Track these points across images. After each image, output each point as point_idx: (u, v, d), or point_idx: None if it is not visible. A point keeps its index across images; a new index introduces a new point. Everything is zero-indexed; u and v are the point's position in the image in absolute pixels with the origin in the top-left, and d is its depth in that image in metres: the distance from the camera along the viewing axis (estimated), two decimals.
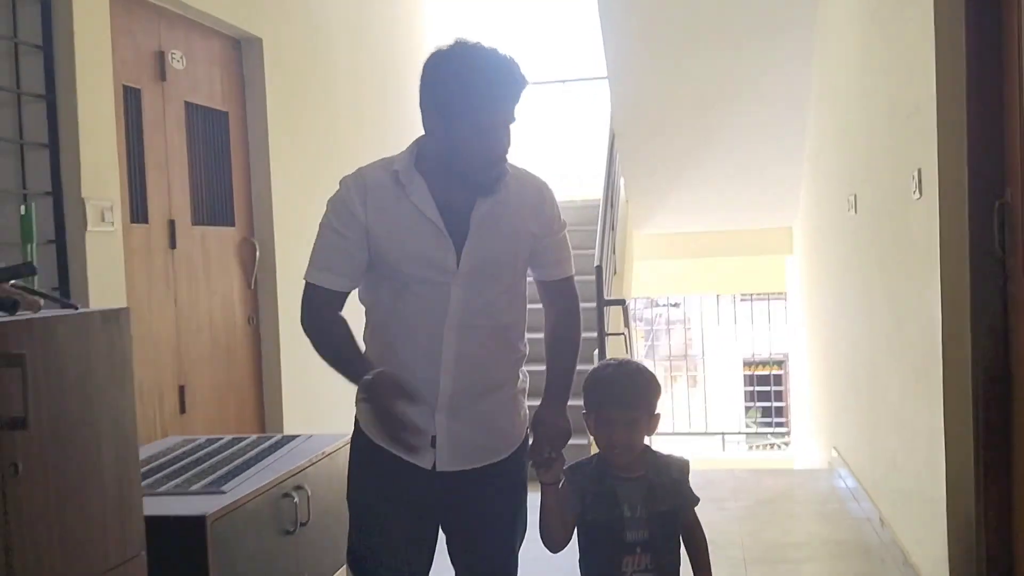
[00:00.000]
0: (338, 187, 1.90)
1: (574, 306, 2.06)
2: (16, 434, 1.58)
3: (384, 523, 1.93)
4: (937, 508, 3.08)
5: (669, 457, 1.99)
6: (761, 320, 15.50)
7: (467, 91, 1.76)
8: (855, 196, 4.46)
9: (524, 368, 2.05)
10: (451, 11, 7.41)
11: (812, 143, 6.09)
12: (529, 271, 2.02)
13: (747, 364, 16.37)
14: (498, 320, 1.90)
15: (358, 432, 1.98)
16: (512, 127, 1.84)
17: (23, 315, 1.71)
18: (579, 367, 6.22)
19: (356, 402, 1.91)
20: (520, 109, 1.85)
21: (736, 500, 4.91)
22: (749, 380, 16.30)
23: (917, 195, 3.17)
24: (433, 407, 1.87)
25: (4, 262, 2.57)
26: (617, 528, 1.89)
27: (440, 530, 2.01)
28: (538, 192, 1.97)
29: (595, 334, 5.46)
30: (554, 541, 1.93)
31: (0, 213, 2.66)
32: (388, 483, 1.92)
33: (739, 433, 13.30)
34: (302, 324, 1.90)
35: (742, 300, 16.41)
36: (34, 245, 1.97)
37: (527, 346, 2.04)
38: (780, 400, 13.80)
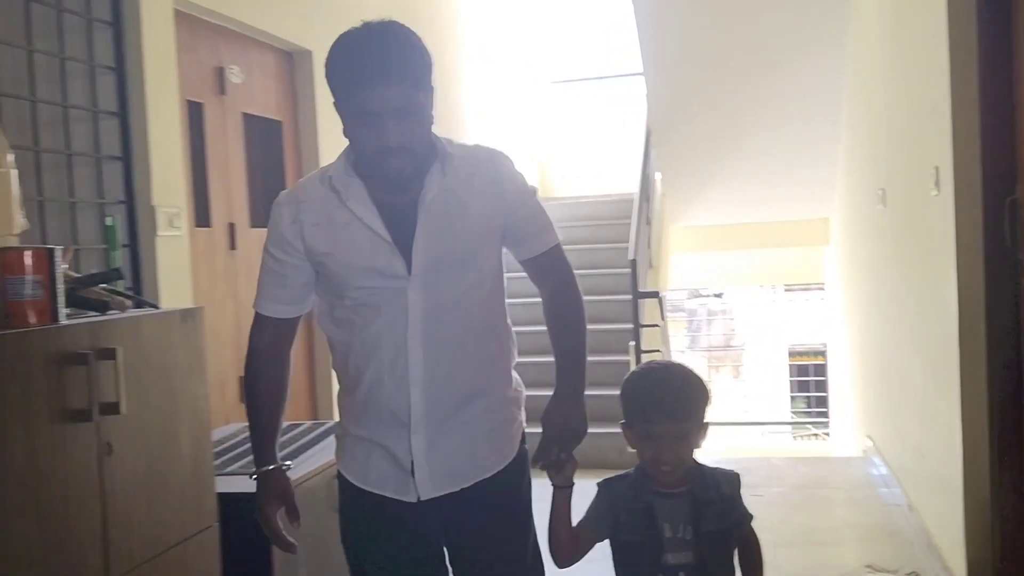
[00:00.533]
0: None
1: (568, 278, 1.82)
2: (110, 418, 1.83)
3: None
4: (955, 492, 3.22)
5: (717, 470, 1.76)
6: (805, 310, 15.48)
7: (341, 75, 1.60)
8: (884, 190, 4.58)
9: (516, 376, 1.85)
10: (491, 13, 7.58)
11: (846, 135, 6.18)
12: (511, 253, 1.81)
13: (792, 354, 16.39)
14: (468, 320, 1.70)
15: (339, 475, 1.83)
16: (416, 114, 1.61)
17: (113, 315, 1.96)
18: (612, 358, 6.38)
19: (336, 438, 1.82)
20: (419, 96, 1.61)
21: (769, 487, 5.04)
22: (795, 370, 16.32)
23: (935, 192, 3.30)
24: (408, 428, 1.69)
25: (85, 264, 2.85)
26: (655, 550, 1.68)
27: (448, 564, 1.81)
28: (491, 166, 1.74)
29: (631, 326, 5.64)
30: (561, 553, 1.74)
31: (81, 221, 2.93)
32: (378, 530, 1.76)
33: (781, 423, 13.32)
34: (246, 359, 1.78)
35: (786, 290, 16.41)
36: (118, 252, 2.22)
37: (513, 342, 1.83)
38: (823, 390, 13.80)
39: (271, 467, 1.79)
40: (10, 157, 2.08)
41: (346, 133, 1.65)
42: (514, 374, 1.84)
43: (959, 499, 3.17)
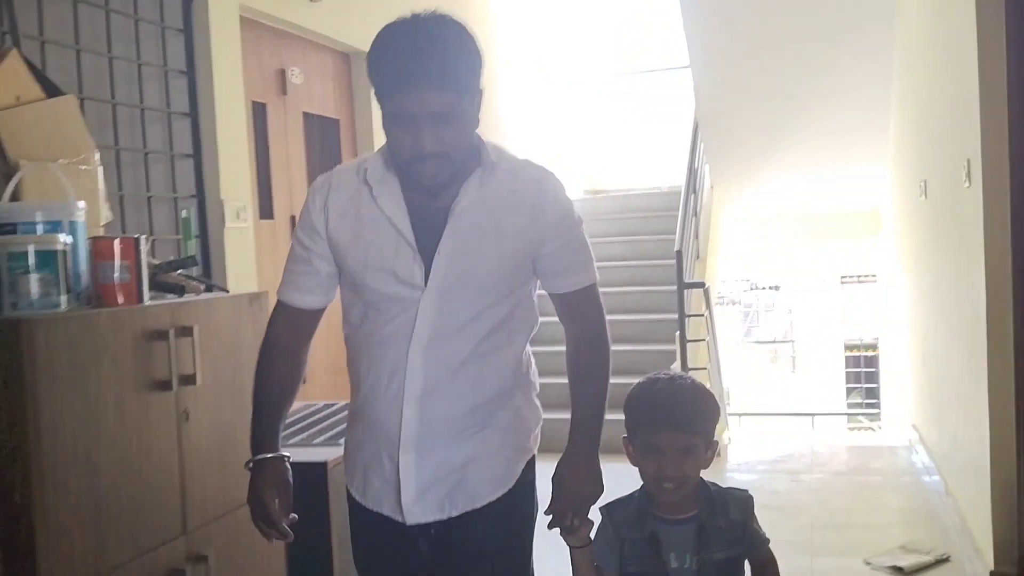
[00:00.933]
0: None
1: (598, 324, 1.67)
2: (188, 388, 2.06)
3: None
4: (984, 477, 3.31)
5: (728, 493, 1.63)
6: (860, 302, 15.38)
7: (381, 71, 1.48)
8: (925, 182, 4.64)
9: (531, 402, 1.71)
10: (540, 6, 7.71)
11: (894, 126, 6.21)
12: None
13: (848, 346, 16.31)
14: (479, 346, 1.58)
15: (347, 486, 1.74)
16: (458, 121, 1.49)
17: (189, 297, 2.19)
18: (659, 347, 6.50)
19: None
20: (463, 101, 1.49)
21: (812, 472, 5.14)
22: (850, 362, 16.24)
23: (967, 184, 3.39)
24: (396, 447, 1.58)
25: (160, 253, 3.10)
26: None
27: None
28: (537, 187, 1.60)
29: (676, 316, 5.78)
30: None
31: (156, 214, 3.19)
32: (374, 547, 1.69)
33: (832, 414, 13.28)
34: (261, 348, 1.71)
35: (842, 282, 16.31)
36: (192, 241, 2.45)
37: (530, 378, 1.70)
38: (878, 382, 13.72)
39: (271, 456, 1.66)
40: (96, 156, 2.32)
41: (384, 128, 1.54)
42: (534, 401, 1.72)
43: (987, 482, 3.26)
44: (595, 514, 1.67)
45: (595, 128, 9.19)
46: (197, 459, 2.09)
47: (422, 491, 1.59)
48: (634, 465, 1.62)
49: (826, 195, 8.15)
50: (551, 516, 1.63)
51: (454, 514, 1.61)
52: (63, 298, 1.79)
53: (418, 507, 1.59)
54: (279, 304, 1.70)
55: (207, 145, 3.37)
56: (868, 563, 3.62)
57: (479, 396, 1.60)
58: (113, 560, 1.83)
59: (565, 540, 1.63)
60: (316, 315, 1.70)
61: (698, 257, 6.90)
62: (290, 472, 1.68)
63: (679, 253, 5.72)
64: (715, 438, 1.62)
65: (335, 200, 1.61)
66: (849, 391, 16.00)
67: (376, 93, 1.51)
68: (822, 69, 6.25)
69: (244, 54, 3.61)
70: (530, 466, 1.69)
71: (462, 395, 1.58)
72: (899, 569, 3.51)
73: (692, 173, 6.68)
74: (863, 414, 13.05)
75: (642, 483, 1.63)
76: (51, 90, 2.34)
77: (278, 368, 1.68)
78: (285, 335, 1.69)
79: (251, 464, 1.66)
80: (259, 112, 3.86)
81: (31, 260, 1.76)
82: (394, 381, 1.57)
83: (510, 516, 1.65)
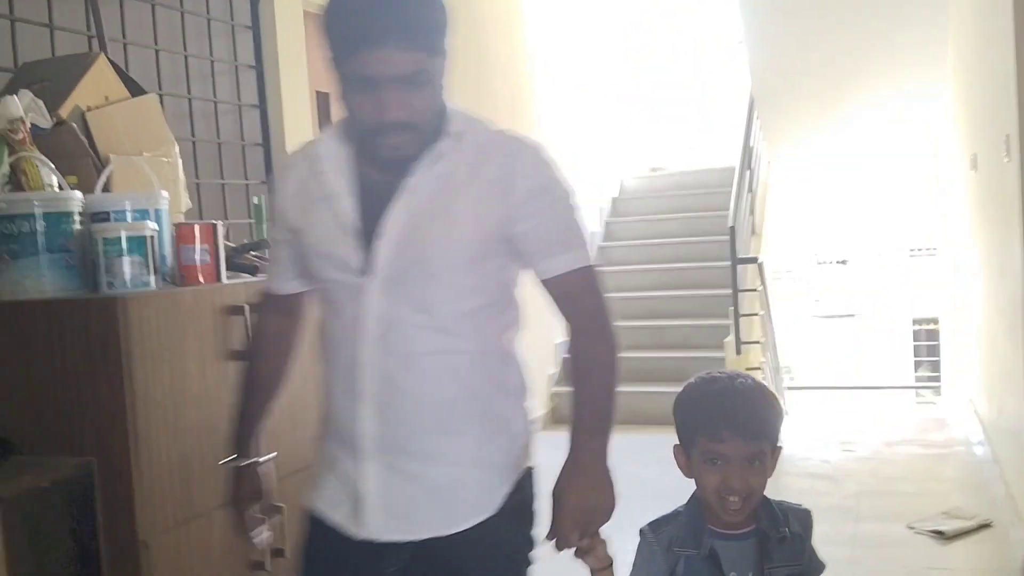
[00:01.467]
0: None
1: (594, 312, 1.42)
2: None
3: None
4: (1022, 442, 3.40)
5: (787, 506, 1.49)
6: (924, 276, 15.16)
7: (339, 27, 1.32)
8: (975, 155, 4.66)
9: (516, 412, 1.48)
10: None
11: (950, 97, 6.17)
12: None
13: (916, 320, 16.09)
14: (442, 340, 1.39)
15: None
16: (426, 85, 1.32)
17: (262, 277, 2.41)
18: (714, 321, 6.72)
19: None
20: (432, 63, 1.32)
21: (864, 443, 5.24)
22: (918, 336, 16.04)
23: (1007, 159, 3.44)
24: (354, 453, 1.42)
25: (234, 236, 3.34)
26: None
27: None
28: (506, 160, 1.38)
29: (729, 291, 5.89)
30: None
31: (230, 199, 3.44)
32: (331, 566, 1.50)
33: (895, 387, 13.14)
34: (251, 338, 1.68)
35: (911, 255, 16.05)
36: (264, 225, 2.68)
37: (515, 378, 1.48)
38: (940, 355, 13.52)
39: (245, 463, 1.69)
40: (175, 149, 2.56)
41: (341, 97, 1.37)
42: (520, 409, 1.50)
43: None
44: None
45: (655, 110, 9.27)
46: (270, 421, 2.32)
47: (391, 506, 1.42)
48: (688, 477, 1.47)
49: (888, 167, 8.10)
50: (554, 539, 1.42)
51: (418, 538, 1.42)
52: (152, 278, 2.01)
53: (385, 523, 1.42)
54: (263, 292, 1.68)
55: (275, 134, 3.60)
56: (911, 527, 3.73)
57: (443, 395, 1.40)
58: (199, 508, 2.07)
59: (584, 562, 1.43)
60: (296, 300, 1.61)
61: (753, 232, 6.96)
62: (262, 478, 1.71)
63: (732, 229, 5.82)
64: (779, 443, 1.45)
65: (290, 179, 1.50)
66: (917, 365, 15.81)
67: (332, 55, 1.34)
68: (877, 41, 6.21)
69: (308, 47, 3.82)
70: (520, 488, 1.47)
71: (422, 393, 1.39)
72: (940, 533, 3.61)
73: (747, 149, 6.74)
74: (925, 387, 12.89)
75: (691, 496, 1.48)
76: (134, 89, 2.57)
77: (262, 356, 1.69)
78: (270, 323, 1.68)
79: (229, 466, 1.69)
80: (323, 101, 4.07)
81: (124, 245, 1.99)
82: (349, 376, 1.41)
83: (496, 546, 1.44)
